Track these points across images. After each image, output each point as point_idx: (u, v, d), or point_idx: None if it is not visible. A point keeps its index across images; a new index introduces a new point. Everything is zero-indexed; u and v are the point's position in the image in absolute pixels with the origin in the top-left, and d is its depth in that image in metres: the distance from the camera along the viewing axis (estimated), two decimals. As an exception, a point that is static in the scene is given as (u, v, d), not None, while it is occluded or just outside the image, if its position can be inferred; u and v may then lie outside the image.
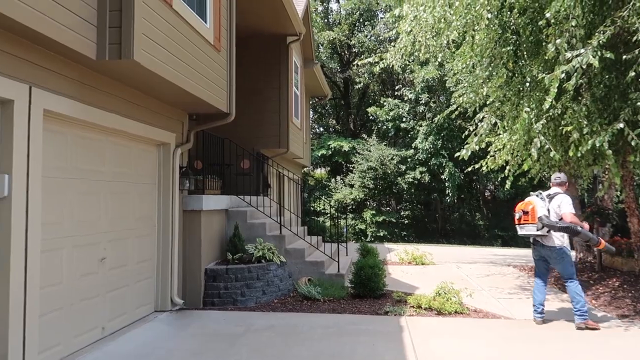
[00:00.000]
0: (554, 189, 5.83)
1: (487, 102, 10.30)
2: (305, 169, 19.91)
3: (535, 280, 5.95)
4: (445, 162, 18.60)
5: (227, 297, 6.48)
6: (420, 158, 19.16)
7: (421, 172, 19.01)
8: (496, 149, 8.64)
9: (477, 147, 7.57)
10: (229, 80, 6.66)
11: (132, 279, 5.46)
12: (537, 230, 5.49)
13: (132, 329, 5.21)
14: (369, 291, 6.66)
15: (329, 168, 25.90)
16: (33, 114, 3.73)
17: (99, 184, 4.82)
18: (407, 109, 19.76)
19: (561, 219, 5.45)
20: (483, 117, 7.41)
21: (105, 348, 4.58)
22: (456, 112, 11.00)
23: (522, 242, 21.40)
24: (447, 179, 18.54)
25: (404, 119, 19.86)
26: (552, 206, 5.57)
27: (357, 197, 19.71)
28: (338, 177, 21.62)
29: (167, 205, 6.10)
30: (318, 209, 20.11)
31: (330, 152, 21.47)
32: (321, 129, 29.04)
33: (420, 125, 19.12)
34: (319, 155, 21.73)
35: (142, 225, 5.69)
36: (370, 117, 24.06)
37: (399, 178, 19.38)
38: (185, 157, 6.64)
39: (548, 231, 5.49)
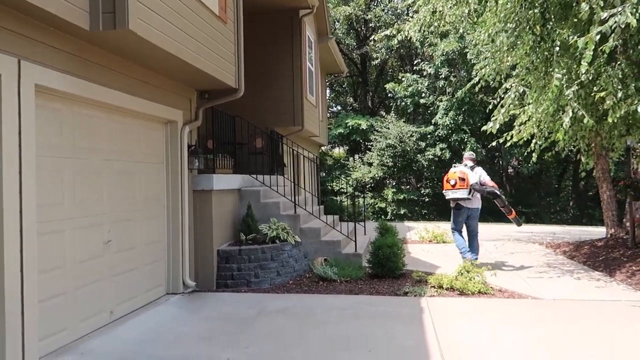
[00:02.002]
0: (468, 163, 7.41)
1: (513, 73, 9.80)
2: (322, 148, 19.60)
3: (457, 235, 7.38)
4: (467, 137, 18.03)
5: (240, 278, 6.30)
6: (440, 134, 18.62)
7: (441, 149, 18.50)
8: (521, 122, 8.24)
9: (504, 119, 7.17)
10: (236, 53, 6.35)
11: (141, 262, 5.29)
12: (468, 194, 7.02)
13: (142, 312, 5.06)
14: (387, 271, 6.39)
15: (347, 147, 25.56)
16: (23, 89, 3.50)
17: (101, 163, 4.61)
18: (426, 84, 19.14)
19: (482, 184, 7.12)
20: (510, 87, 6.91)
21: (113, 332, 4.44)
22: (479, 86, 10.57)
23: (548, 218, 20.84)
24: (468, 155, 18.00)
25: (423, 95, 19.26)
26: (475, 176, 7.18)
27: (376, 175, 19.34)
28: (356, 156, 21.25)
29: (175, 185, 5.89)
30: (336, 188, 19.85)
31: (348, 131, 21.05)
32: (339, 108, 28.58)
33: (440, 101, 18.52)
34: (337, 134, 21.33)
35: (150, 206, 5.50)
36: (389, 94, 23.47)
37: (418, 155, 18.90)
38: (194, 136, 6.40)
39: (473, 195, 7.08)
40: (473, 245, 7.30)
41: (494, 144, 8.93)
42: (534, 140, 9.40)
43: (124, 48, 4.32)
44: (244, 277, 6.31)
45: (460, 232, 7.39)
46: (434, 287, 5.89)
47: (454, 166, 7.45)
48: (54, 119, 3.98)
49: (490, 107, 9.52)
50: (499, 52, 9.38)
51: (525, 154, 19.63)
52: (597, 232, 12.01)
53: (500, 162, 22.24)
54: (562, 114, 5.81)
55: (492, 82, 9.19)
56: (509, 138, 8.89)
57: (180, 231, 5.89)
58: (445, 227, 11.25)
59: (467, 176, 7.03)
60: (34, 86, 3.61)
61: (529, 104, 7.40)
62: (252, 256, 6.38)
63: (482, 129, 6.67)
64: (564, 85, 5.72)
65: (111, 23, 3.82)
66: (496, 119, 6.98)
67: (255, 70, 10.14)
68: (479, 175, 7.18)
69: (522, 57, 7.27)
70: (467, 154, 7.65)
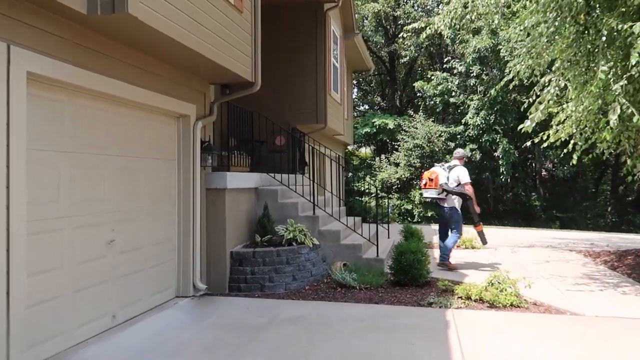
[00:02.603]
0: (453, 162, 7.41)
1: (550, 70, 9.19)
2: (348, 148, 19.19)
3: (440, 239, 7.49)
4: (499, 138, 17.26)
5: (254, 282, 5.97)
6: (470, 134, 17.91)
7: (472, 150, 17.78)
8: (559, 122, 7.67)
9: (542, 117, 6.65)
10: (253, 45, 6.02)
11: (148, 263, 5.01)
12: (438, 194, 7.17)
13: (147, 316, 4.78)
14: (410, 279, 5.95)
15: (374, 147, 25.03)
16: (13, 76, 3.23)
17: (105, 158, 4.34)
18: (456, 83, 18.45)
19: (458, 185, 7.10)
20: (549, 81, 6.34)
21: (114, 338, 4.16)
22: (512, 84, 10.04)
23: (584, 224, 19.83)
24: (500, 156, 17.24)
25: (453, 94, 18.57)
26: (451, 175, 7.18)
27: (403, 176, 18.76)
28: (383, 156, 20.72)
29: (187, 183, 5.61)
30: (362, 189, 19.39)
31: (374, 130, 20.53)
32: (366, 107, 28.07)
33: (471, 100, 17.81)
34: (363, 133, 20.83)
35: (158, 205, 5.22)
36: (417, 94, 22.83)
37: (447, 156, 18.22)
38: (208, 131, 6.11)
39: (446, 195, 7.13)
40: (445, 243, 7.27)
41: (528, 144, 8.38)
42: (572, 141, 8.79)
43: (125, 34, 4.03)
44: (257, 280, 5.97)
45: (442, 236, 7.46)
46: (461, 297, 5.42)
47: (435, 164, 7.76)
48: (50, 110, 3.72)
49: (525, 105, 8.95)
50: (535, 47, 8.80)
51: (562, 155, 18.75)
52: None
53: (534, 165, 21.35)
54: (608, 111, 5.25)
55: (526, 80, 8.64)
56: (545, 138, 8.32)
57: (192, 231, 5.60)
58: (474, 231, 10.68)
59: (436, 177, 7.19)
60: (26, 74, 3.35)
61: (568, 101, 6.85)
62: (266, 259, 6.04)
63: (517, 128, 6.16)
64: (611, 80, 5.16)
65: (110, 6, 3.52)
66: (533, 117, 6.46)
67: (276, 65, 9.83)
68: (457, 175, 7.13)
69: (562, 50, 6.71)
70: (455, 152, 7.66)
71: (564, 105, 7.05)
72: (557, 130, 8.05)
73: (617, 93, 4.96)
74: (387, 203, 11.41)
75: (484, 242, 7.86)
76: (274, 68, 9.91)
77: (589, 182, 22.38)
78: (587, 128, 7.44)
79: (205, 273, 5.89)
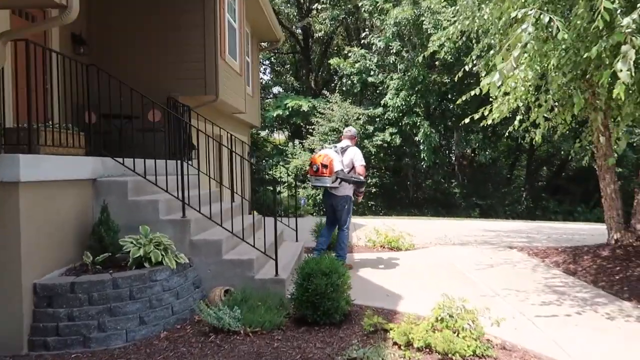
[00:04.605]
0: (345, 142, 6.27)
1: (488, 29, 7.74)
2: (253, 130, 17.00)
3: (325, 226, 6.42)
4: (420, 121, 15.93)
5: (72, 333, 3.67)
6: (390, 117, 16.41)
7: (392, 134, 16.32)
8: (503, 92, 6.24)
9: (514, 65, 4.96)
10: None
11: None
12: (332, 182, 5.92)
13: None
14: (322, 314, 3.96)
15: (288, 132, 23.00)
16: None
17: None
18: (375, 61, 16.83)
19: (352, 169, 6.03)
20: (526, 16, 4.42)
21: None
22: (444, 50, 8.45)
23: (502, 211, 19.28)
24: (421, 140, 15.94)
25: (372, 73, 16.95)
26: (345, 158, 6.06)
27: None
28: (297, 141, 18.75)
29: None
30: (275, 177, 17.31)
31: (287, 113, 18.45)
32: (279, 90, 25.91)
33: (391, 79, 16.30)
34: (274, 115, 18.66)
35: None
36: (333, 72, 21.02)
37: (365, 141, 16.59)
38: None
39: (340, 183, 5.95)
40: (339, 243, 6.11)
41: (467, 120, 6.80)
42: (517, 117, 7.36)
43: None
44: (79, 330, 3.68)
45: (329, 225, 6.35)
46: (398, 345, 3.53)
47: (323, 147, 6.44)
48: None
49: (470, 66, 7.36)
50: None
51: (481, 139, 17.97)
52: (572, 230, 10.26)
53: (453, 149, 20.49)
54: (607, 62, 3.60)
55: (451, 55, 7.13)
56: (487, 113, 6.81)
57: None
58: (398, 224, 9.07)
59: (331, 162, 5.91)
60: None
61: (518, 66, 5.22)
62: (94, 294, 3.76)
63: (481, 85, 4.32)
64: (617, 12, 3.50)
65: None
66: (502, 68, 4.66)
67: (149, 16, 7.47)
68: (351, 158, 6.05)
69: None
70: (346, 130, 6.43)
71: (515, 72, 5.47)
72: (508, 101, 6.57)
73: (628, 30, 3.25)
74: (295, 194, 9.43)
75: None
76: (145, 20, 7.49)
77: (503, 168, 22.10)
78: (549, 96, 5.95)
79: (-20, 325, 3.50)
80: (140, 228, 4.37)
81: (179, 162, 5.19)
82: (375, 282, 5.49)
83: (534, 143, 8.60)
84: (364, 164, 6.16)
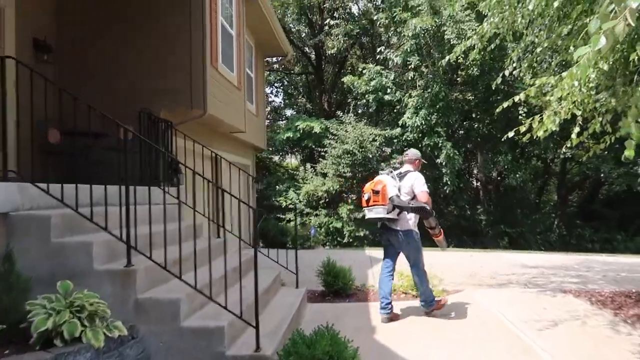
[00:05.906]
0: (405, 167, 5.30)
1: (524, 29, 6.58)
2: (263, 154, 15.81)
3: (382, 269, 5.27)
4: (442, 141, 14.52)
5: None
6: (409, 138, 15.04)
7: (411, 157, 14.93)
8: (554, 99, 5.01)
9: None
10: None
11: None
12: (387, 212, 4.91)
13: None
14: None
15: (300, 156, 21.76)
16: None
17: None
18: (392, 78, 15.58)
19: (413, 198, 4.95)
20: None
21: None
22: (470, 59, 7.33)
23: (534, 240, 17.53)
24: (444, 163, 14.50)
25: (389, 90, 15.67)
26: (403, 185, 5.04)
27: (331, 188, 15.49)
28: (308, 165, 17.44)
29: None
30: (285, 204, 16.00)
31: (298, 135, 17.20)
32: (292, 112, 24.83)
33: (410, 97, 14.99)
34: (285, 138, 17.42)
35: None
36: (347, 92, 19.79)
37: (382, 164, 15.22)
38: None
39: (398, 213, 4.97)
40: (418, 289, 5.24)
41: (511, 134, 5.44)
42: (575, 129, 5.95)
43: None
44: None
45: (387, 266, 5.25)
46: None
47: (380, 172, 5.34)
48: None
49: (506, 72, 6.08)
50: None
51: (510, 160, 16.28)
52: (628, 265, 8.64)
53: (475, 172, 18.97)
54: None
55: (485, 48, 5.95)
56: (535, 125, 5.48)
57: None
58: (425, 261, 7.59)
59: (384, 187, 4.93)
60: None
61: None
62: (-39, 396, 2.42)
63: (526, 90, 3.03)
64: None
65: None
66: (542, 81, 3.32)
67: (127, 20, 6.40)
68: (411, 184, 4.98)
69: None
70: (407, 153, 5.45)
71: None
72: (559, 112, 5.29)
73: None
74: (295, 224, 8.09)
75: (447, 245, 6.04)
76: (122, 24, 6.40)
77: (530, 192, 20.45)
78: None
79: None
80: (59, 285, 3.04)
81: (150, 188, 3.94)
82: (396, 352, 4.03)
83: (601, 172, 7.13)
84: (426, 189, 5.01)
